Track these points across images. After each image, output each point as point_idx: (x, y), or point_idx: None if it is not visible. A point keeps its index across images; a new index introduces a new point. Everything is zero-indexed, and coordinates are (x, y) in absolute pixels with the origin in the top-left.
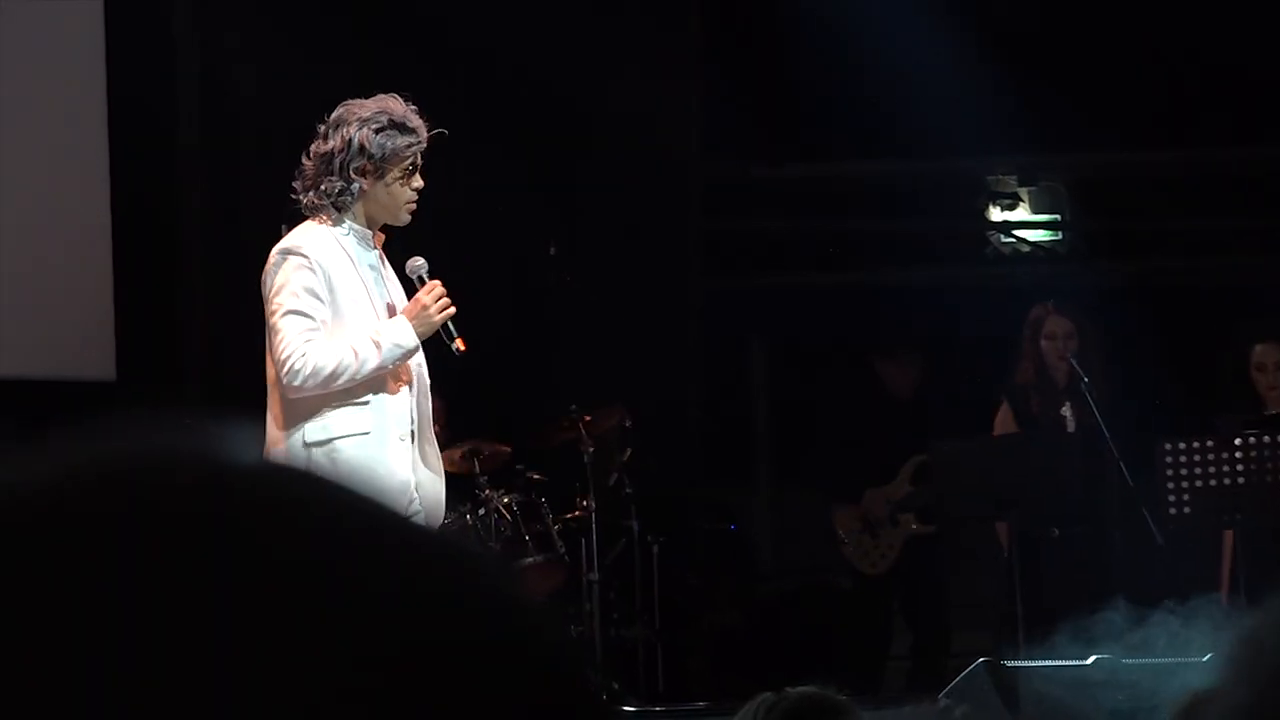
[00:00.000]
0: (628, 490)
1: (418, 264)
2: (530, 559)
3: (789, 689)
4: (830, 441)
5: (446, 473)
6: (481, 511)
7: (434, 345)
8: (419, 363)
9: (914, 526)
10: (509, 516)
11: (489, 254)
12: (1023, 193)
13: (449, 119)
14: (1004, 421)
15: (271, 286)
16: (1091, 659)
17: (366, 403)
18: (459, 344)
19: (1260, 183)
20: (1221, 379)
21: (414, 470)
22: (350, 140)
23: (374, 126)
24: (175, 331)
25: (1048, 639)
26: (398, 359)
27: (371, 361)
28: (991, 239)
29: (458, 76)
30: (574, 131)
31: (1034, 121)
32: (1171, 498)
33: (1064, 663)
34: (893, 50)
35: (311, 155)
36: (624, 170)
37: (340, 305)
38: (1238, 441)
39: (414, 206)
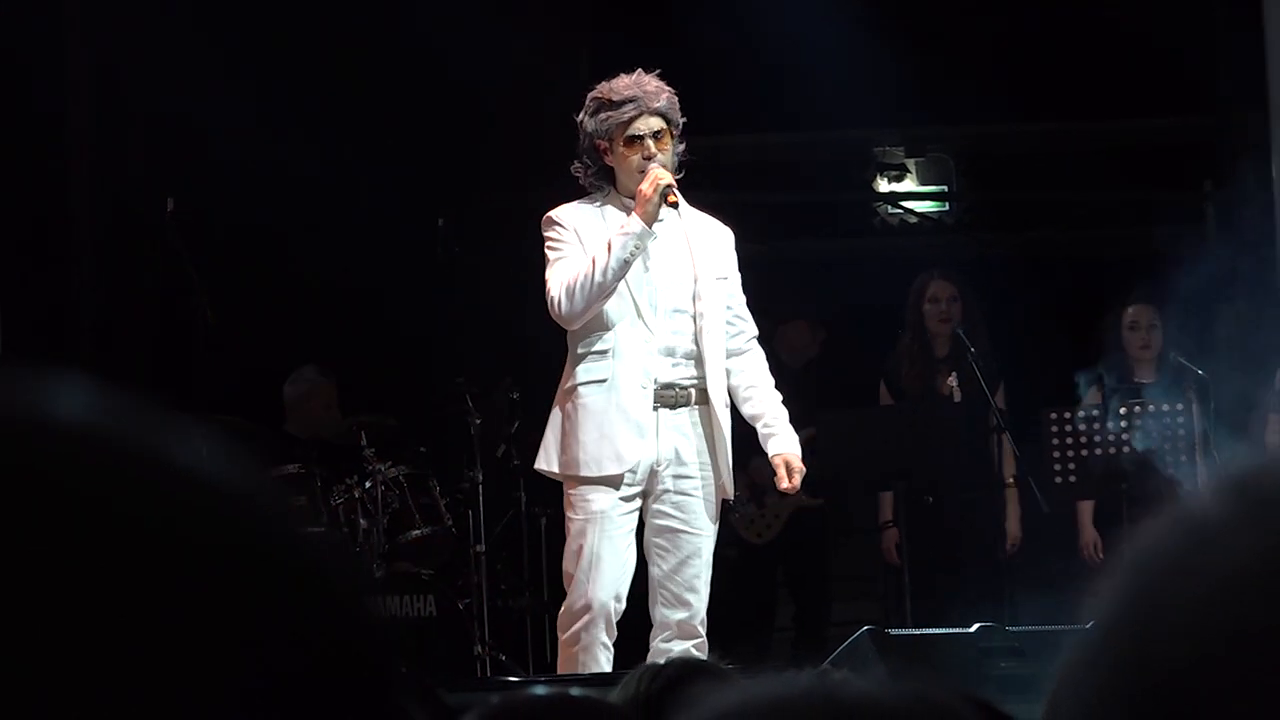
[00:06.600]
0: (515, 462)
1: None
2: (418, 531)
3: (671, 658)
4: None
5: (334, 445)
6: (368, 484)
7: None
8: (675, 330)
9: (801, 498)
10: (396, 489)
11: (378, 226)
12: (910, 164)
13: (339, 92)
14: (886, 393)
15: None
16: (975, 626)
17: (605, 353)
18: (670, 198)
19: (1144, 154)
20: (1098, 345)
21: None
22: (579, 128)
23: (589, 111)
24: (64, 308)
25: (933, 607)
26: (630, 244)
27: (602, 256)
28: (879, 210)
29: (349, 50)
30: (465, 104)
31: (922, 93)
32: (1057, 466)
33: (948, 630)
34: (781, 22)
35: None
36: (514, 144)
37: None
38: (1122, 410)
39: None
